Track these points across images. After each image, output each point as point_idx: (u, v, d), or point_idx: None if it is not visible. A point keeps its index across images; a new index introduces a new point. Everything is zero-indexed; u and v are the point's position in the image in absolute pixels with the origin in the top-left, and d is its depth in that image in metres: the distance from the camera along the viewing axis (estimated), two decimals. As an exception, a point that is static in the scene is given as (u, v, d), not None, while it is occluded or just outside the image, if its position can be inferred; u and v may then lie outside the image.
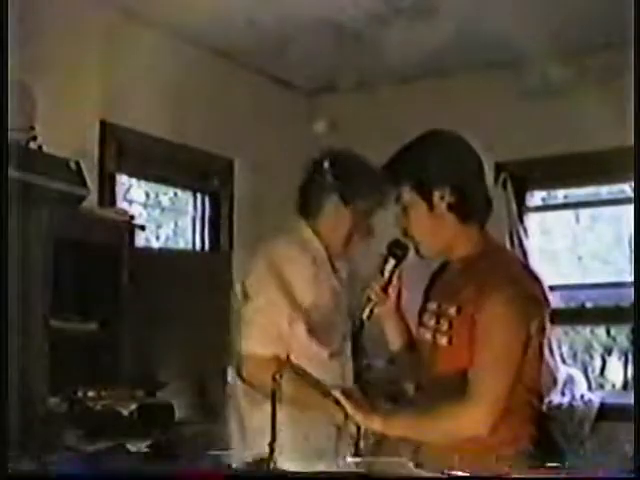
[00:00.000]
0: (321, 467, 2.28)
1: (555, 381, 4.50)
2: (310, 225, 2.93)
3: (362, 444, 2.39)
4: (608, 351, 4.92)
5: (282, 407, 2.31)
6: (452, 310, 2.24)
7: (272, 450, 2.10)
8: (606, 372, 4.91)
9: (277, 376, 2.11)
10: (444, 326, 2.25)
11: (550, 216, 5.09)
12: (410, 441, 2.30)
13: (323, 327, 2.81)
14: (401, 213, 2.33)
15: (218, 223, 4.90)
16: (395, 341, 2.48)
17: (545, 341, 2.30)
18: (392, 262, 2.38)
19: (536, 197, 5.05)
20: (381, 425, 2.25)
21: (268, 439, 2.17)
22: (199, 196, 4.92)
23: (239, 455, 2.50)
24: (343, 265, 2.98)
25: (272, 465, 2.08)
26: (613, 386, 4.89)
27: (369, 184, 2.86)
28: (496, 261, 2.28)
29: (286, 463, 2.12)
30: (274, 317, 2.77)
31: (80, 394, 3.30)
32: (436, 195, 2.29)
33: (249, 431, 2.80)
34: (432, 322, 2.30)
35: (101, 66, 4.10)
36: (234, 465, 2.18)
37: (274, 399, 2.18)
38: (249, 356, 2.77)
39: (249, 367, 2.77)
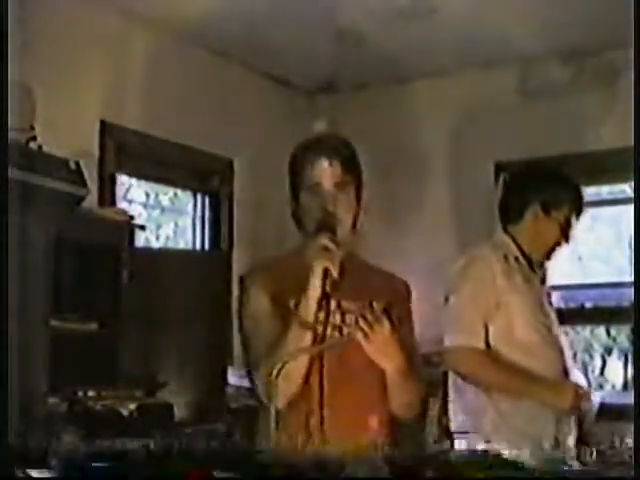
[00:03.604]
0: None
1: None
2: (510, 234, 3.11)
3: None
4: (608, 351, 4.92)
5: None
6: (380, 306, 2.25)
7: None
8: (606, 372, 4.91)
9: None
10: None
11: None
12: None
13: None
14: (333, 194, 2.33)
15: (218, 223, 4.90)
16: None
17: None
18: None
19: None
20: None
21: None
22: (199, 196, 4.92)
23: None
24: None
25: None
26: (613, 386, 4.90)
27: (574, 192, 3.12)
28: (363, 259, 2.44)
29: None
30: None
31: (80, 394, 3.30)
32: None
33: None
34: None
35: (101, 66, 4.10)
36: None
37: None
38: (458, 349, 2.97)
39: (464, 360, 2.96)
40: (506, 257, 3.04)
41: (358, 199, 2.37)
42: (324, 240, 2.19)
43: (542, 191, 3.10)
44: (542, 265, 3.17)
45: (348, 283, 2.27)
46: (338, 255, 2.20)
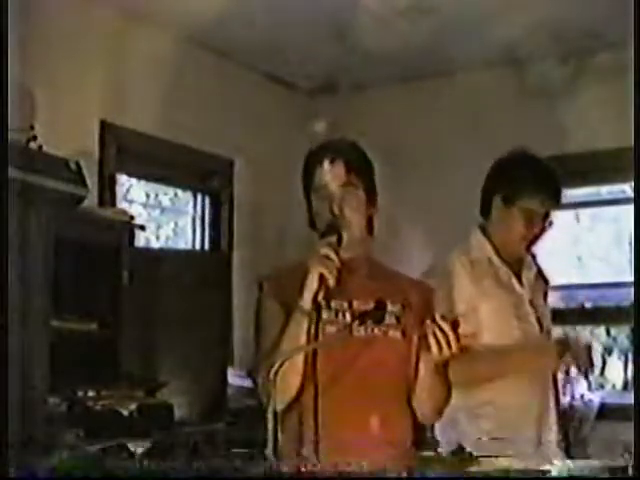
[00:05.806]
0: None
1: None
2: (486, 233, 3.01)
3: None
4: (608, 351, 4.92)
5: None
6: (396, 308, 2.28)
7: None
8: (606, 372, 4.91)
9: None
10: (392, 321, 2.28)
11: (550, 216, 5.08)
12: None
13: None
14: (338, 195, 2.32)
15: (218, 223, 4.90)
16: None
17: None
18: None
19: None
20: None
21: None
22: (199, 196, 4.92)
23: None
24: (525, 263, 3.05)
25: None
26: (613, 386, 4.90)
27: (535, 182, 2.91)
28: (383, 264, 2.43)
29: None
30: None
31: (80, 394, 3.30)
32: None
33: None
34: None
35: (101, 66, 4.10)
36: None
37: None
38: None
39: None
40: (473, 262, 2.93)
41: (372, 202, 2.35)
42: (325, 250, 2.18)
43: (499, 182, 2.96)
44: (523, 262, 3.03)
45: (359, 284, 2.29)
46: (337, 264, 2.17)
